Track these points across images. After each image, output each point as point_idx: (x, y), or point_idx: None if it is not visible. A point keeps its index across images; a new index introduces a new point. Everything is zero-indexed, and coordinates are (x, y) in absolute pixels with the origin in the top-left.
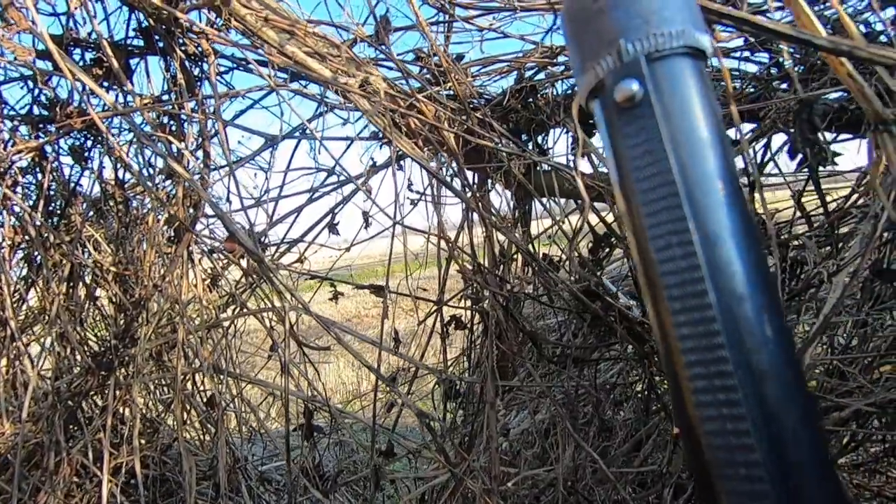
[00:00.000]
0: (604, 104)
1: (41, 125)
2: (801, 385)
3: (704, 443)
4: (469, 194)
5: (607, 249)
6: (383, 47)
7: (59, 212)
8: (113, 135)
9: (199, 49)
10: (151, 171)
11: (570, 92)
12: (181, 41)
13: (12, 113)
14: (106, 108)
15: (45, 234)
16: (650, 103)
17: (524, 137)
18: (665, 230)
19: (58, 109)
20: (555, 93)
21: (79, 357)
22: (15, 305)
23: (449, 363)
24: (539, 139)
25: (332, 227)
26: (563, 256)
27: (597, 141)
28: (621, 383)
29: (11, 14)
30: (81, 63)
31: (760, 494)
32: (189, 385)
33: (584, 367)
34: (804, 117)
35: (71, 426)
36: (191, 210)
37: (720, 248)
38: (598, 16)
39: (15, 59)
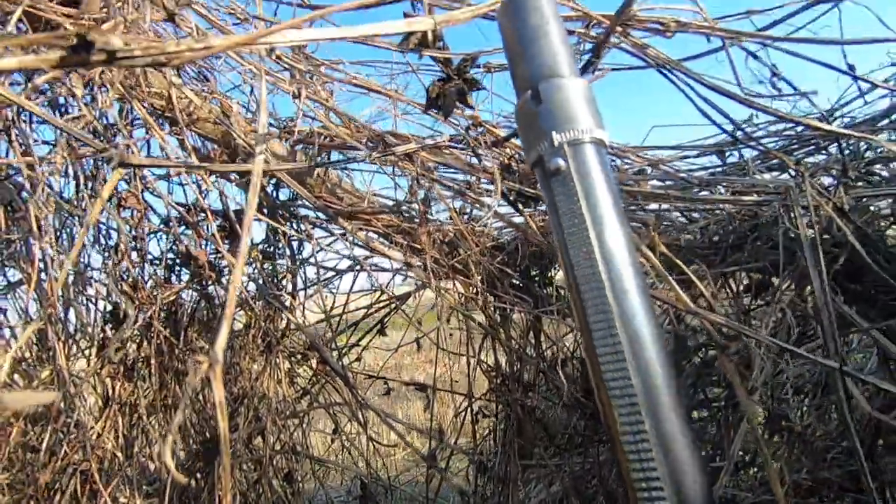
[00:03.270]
0: (542, 172)
1: (176, 269)
2: (694, 446)
3: (629, 480)
4: (490, 323)
5: None
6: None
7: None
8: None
9: (303, 229)
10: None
11: None
12: (290, 223)
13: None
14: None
15: (176, 350)
16: (570, 172)
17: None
18: (586, 273)
19: (190, 261)
20: None
21: (191, 442)
22: (145, 401)
23: (478, 443)
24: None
25: (382, 330)
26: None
27: None
28: None
29: (131, 201)
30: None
31: None
32: (272, 464)
33: (588, 447)
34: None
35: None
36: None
37: (628, 299)
38: (539, 115)
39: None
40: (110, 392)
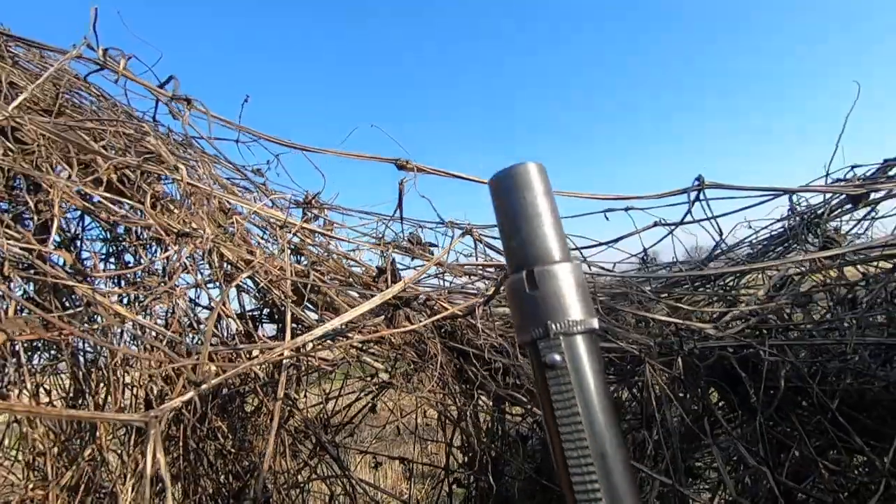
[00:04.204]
0: (535, 358)
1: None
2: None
3: None
4: (458, 409)
5: None
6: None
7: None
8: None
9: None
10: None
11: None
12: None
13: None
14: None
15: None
16: (566, 367)
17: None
18: (575, 458)
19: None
20: None
21: None
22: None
23: None
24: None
25: (373, 409)
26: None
27: None
28: None
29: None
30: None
31: None
32: None
33: None
34: None
35: None
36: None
37: (614, 482)
38: (533, 299)
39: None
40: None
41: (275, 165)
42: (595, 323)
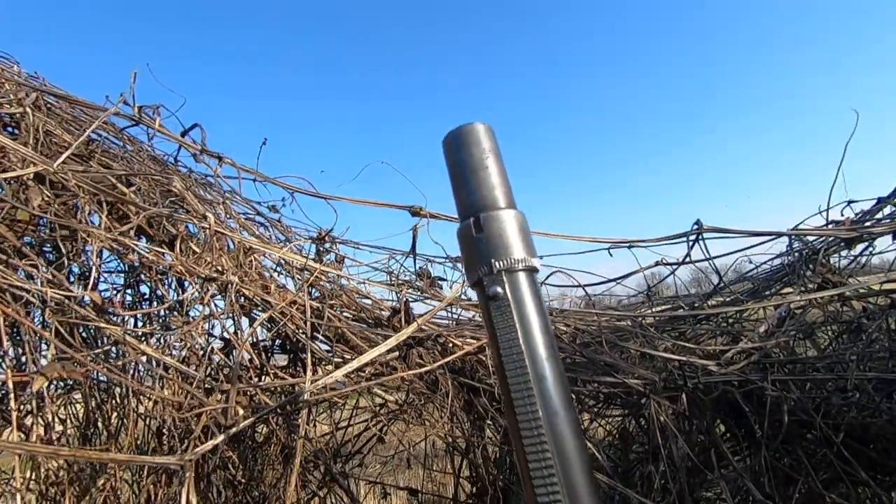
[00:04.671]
0: (481, 294)
1: None
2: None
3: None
4: (466, 441)
5: None
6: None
7: None
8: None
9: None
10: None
11: None
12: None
13: None
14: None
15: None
16: (507, 298)
17: None
18: (518, 384)
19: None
20: None
21: None
22: None
23: None
24: None
25: (381, 439)
26: None
27: None
28: None
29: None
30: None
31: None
32: None
33: None
34: None
35: None
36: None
37: (552, 405)
38: (479, 242)
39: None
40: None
41: (289, 202)
42: (536, 262)
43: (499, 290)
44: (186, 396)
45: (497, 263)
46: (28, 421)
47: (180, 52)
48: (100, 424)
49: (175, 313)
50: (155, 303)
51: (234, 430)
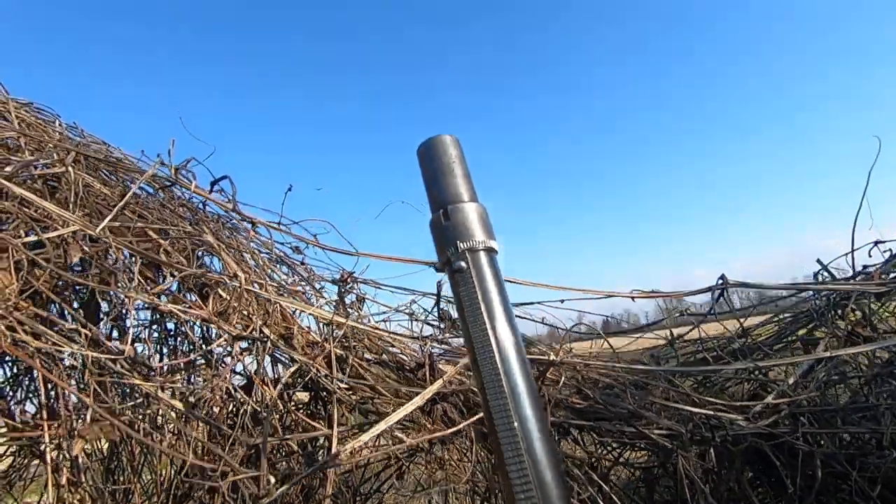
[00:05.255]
0: (449, 270)
1: None
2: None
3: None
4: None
5: None
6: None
7: None
8: None
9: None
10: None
11: None
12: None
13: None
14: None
15: None
16: (470, 272)
17: None
18: (482, 347)
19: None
20: None
21: None
22: None
23: None
24: None
25: (400, 476)
26: None
27: None
28: None
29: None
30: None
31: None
32: None
33: None
34: None
35: None
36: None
37: (510, 363)
38: (447, 229)
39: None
40: None
41: (311, 245)
42: (493, 244)
43: (463, 265)
44: (218, 462)
45: (461, 245)
46: (54, 454)
47: (202, 91)
48: (123, 458)
49: (202, 361)
50: (182, 350)
51: (265, 500)
